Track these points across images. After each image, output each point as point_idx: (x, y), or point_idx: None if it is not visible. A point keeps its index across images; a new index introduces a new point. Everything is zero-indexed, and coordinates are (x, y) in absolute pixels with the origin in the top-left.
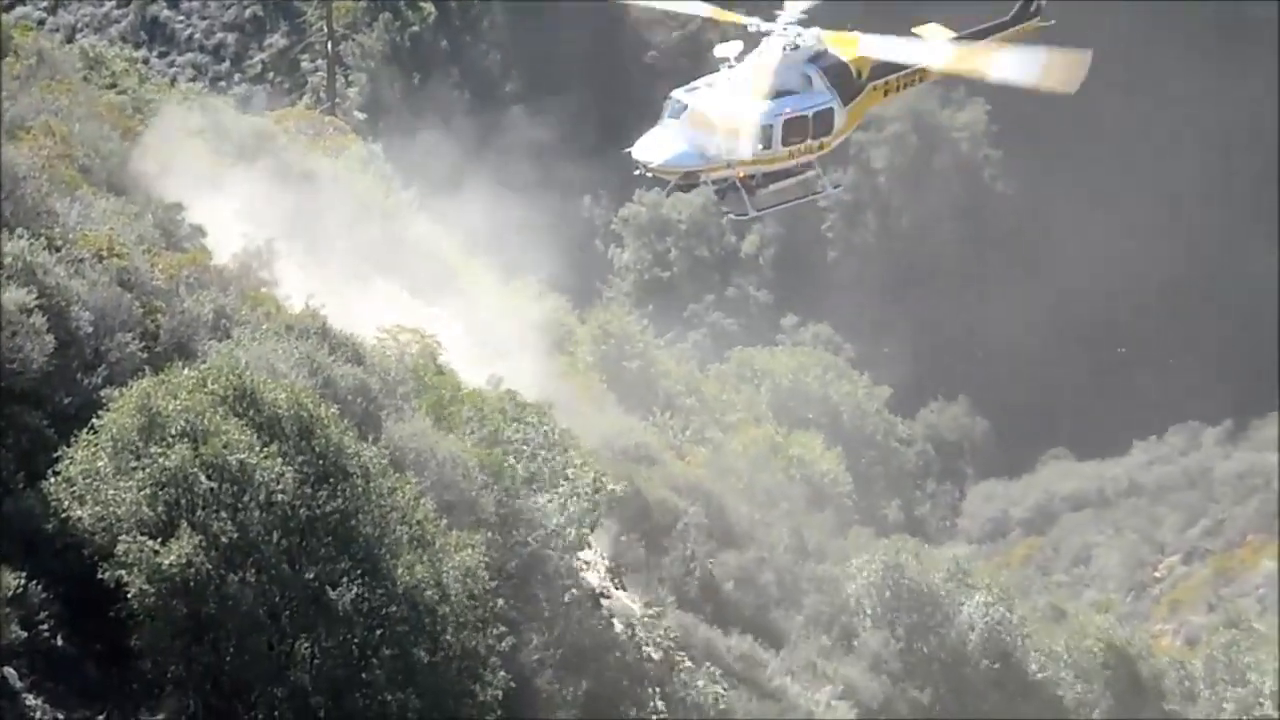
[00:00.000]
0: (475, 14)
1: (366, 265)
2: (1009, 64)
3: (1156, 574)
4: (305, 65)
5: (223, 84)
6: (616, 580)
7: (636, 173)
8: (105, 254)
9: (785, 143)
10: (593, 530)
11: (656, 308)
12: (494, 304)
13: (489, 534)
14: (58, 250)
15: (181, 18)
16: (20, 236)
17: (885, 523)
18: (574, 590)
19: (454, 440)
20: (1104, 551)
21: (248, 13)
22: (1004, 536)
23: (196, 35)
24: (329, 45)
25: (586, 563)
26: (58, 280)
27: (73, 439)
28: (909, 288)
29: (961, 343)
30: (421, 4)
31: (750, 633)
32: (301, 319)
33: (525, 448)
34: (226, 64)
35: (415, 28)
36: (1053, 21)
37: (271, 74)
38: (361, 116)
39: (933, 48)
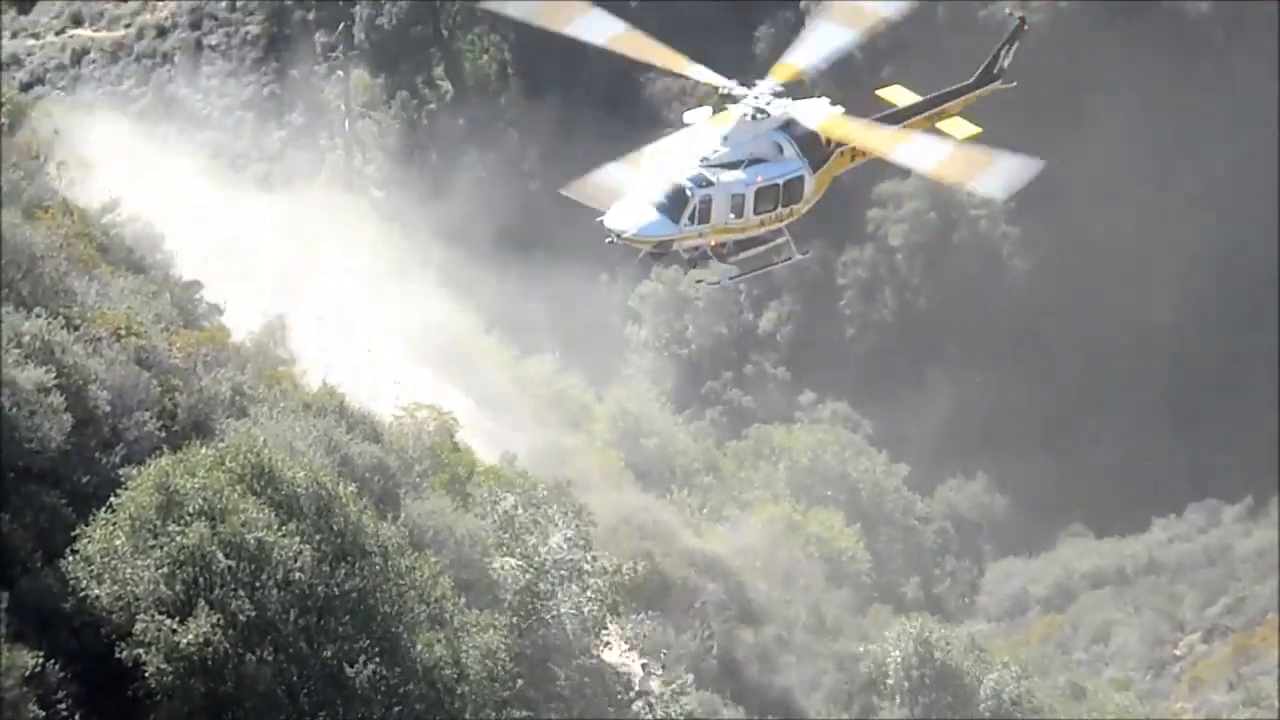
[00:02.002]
0: (493, 91)
1: (384, 342)
2: (953, 169)
3: (1176, 652)
4: (323, 143)
5: (241, 162)
6: (636, 658)
7: (608, 241)
8: (123, 332)
9: (757, 211)
10: (612, 615)
11: (674, 385)
12: (511, 381)
13: (511, 616)
14: (76, 329)
15: (200, 96)
16: (38, 315)
17: (904, 600)
18: (592, 670)
19: (472, 519)
20: (1124, 629)
21: (265, 91)
22: (1023, 614)
23: (215, 114)
24: (346, 124)
25: (606, 641)
26: (75, 359)
27: (91, 518)
28: (927, 365)
29: (980, 420)
30: (439, 82)
31: (770, 710)
32: (319, 397)
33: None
34: (244, 142)
35: (433, 106)
36: (1015, 84)
37: (289, 152)
38: (379, 194)
39: (891, 139)
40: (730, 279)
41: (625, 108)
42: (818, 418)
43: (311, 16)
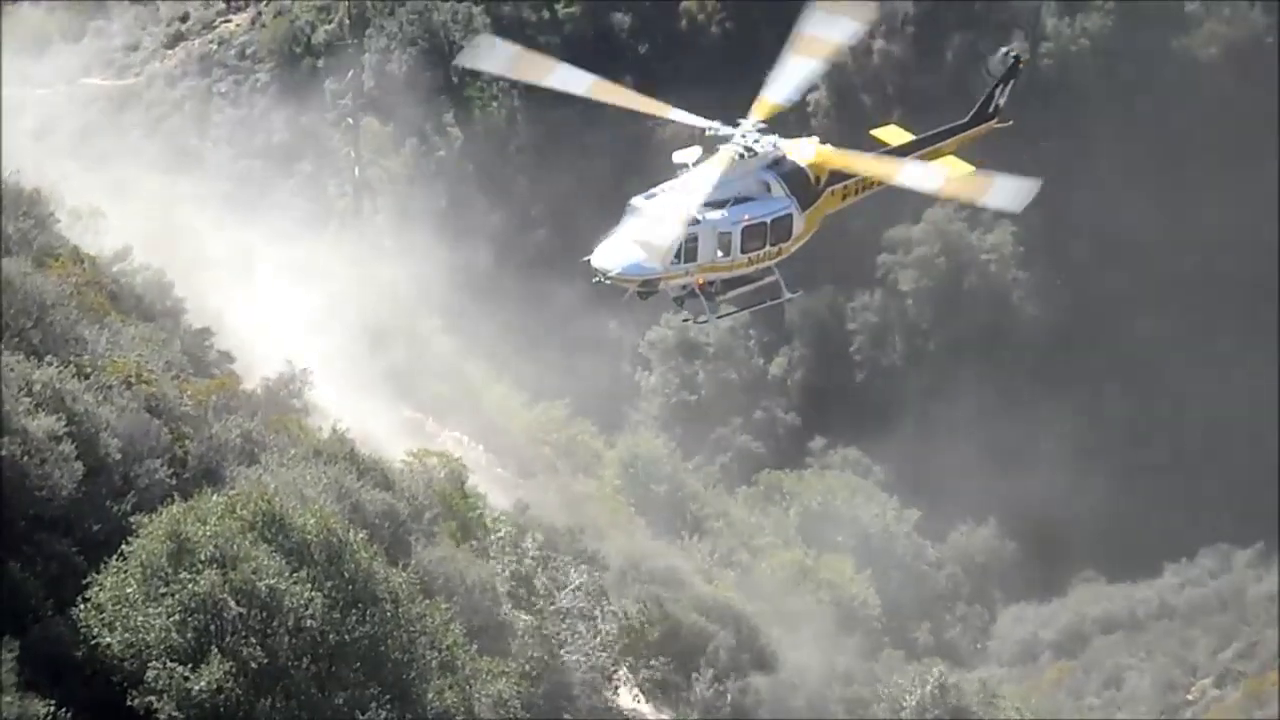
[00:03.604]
0: (502, 138)
1: (394, 388)
2: (960, 185)
3: (1189, 697)
4: (332, 191)
5: (250, 210)
6: (647, 704)
7: (595, 281)
8: (134, 380)
9: (744, 249)
10: (623, 661)
11: (684, 431)
12: (521, 427)
13: (522, 663)
14: (87, 377)
15: (209, 144)
16: (49, 363)
17: (915, 646)
18: (604, 717)
19: (483, 565)
20: (1135, 674)
21: (275, 139)
22: (1035, 659)
23: (224, 162)
24: (356, 171)
25: (617, 688)
26: (86, 407)
27: (102, 566)
28: (937, 410)
29: (991, 466)
30: (449, 129)
31: None
32: (329, 443)
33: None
34: (254, 190)
35: (442, 153)
36: (1010, 122)
37: (299, 200)
38: (388, 242)
39: (890, 164)
40: (718, 317)
41: (637, 153)
42: (828, 463)
43: (321, 64)
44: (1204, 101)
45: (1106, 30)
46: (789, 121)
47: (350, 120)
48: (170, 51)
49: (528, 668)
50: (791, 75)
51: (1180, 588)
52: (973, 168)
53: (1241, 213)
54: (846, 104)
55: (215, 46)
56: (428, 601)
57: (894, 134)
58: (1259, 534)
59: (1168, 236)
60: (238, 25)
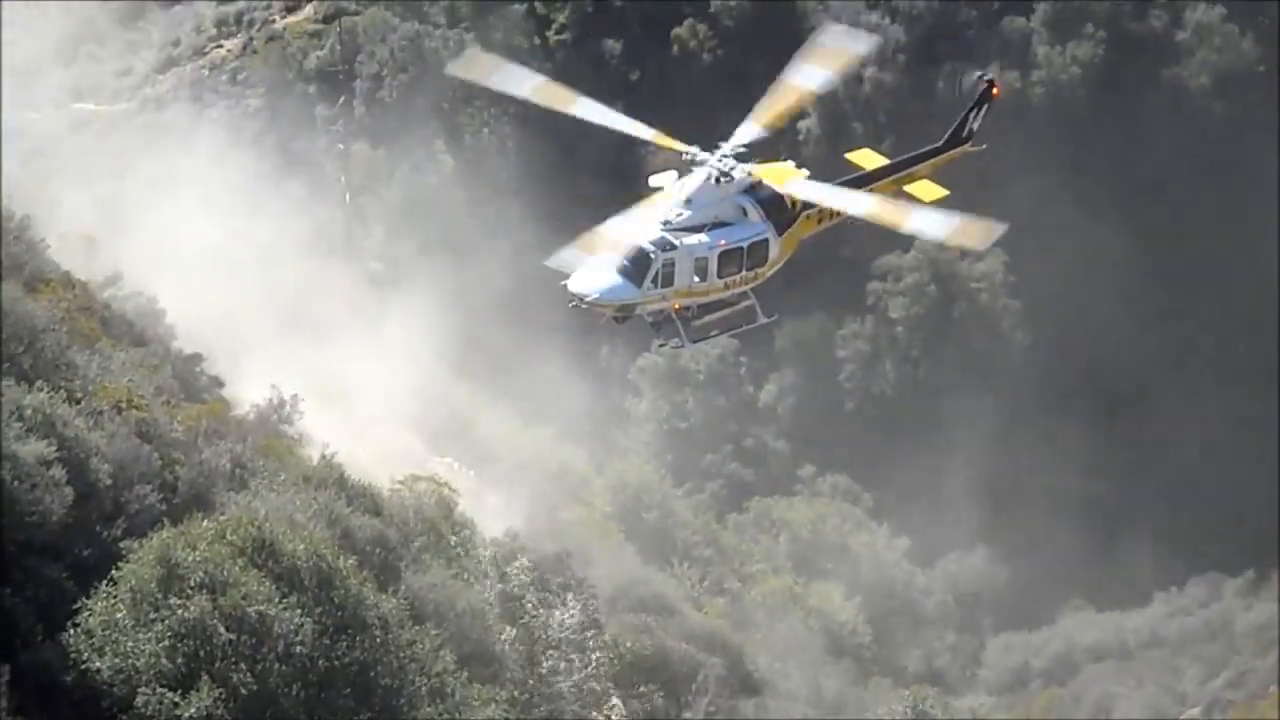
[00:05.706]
0: (493, 164)
1: (384, 413)
2: (925, 222)
3: None
4: (323, 216)
5: (241, 234)
6: None
7: (571, 305)
8: (124, 406)
9: (721, 274)
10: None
11: (674, 458)
12: (511, 453)
13: (512, 690)
14: (77, 402)
15: (200, 169)
16: (40, 389)
17: (905, 673)
18: None
19: (473, 591)
20: (1125, 702)
21: (266, 164)
22: (1025, 687)
23: (215, 187)
24: (346, 196)
25: (608, 716)
26: (77, 432)
27: (92, 591)
28: (927, 438)
29: (981, 494)
30: (440, 155)
31: None
32: (319, 469)
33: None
34: (244, 214)
35: (433, 179)
36: (984, 146)
37: (289, 225)
38: (378, 266)
39: (857, 198)
40: (694, 342)
41: (627, 180)
42: (818, 491)
43: (312, 90)
44: (1195, 130)
45: (1097, 59)
46: (781, 150)
47: (341, 146)
48: (161, 76)
49: (516, 693)
50: (779, 103)
51: (1170, 617)
52: (945, 192)
53: (1234, 242)
54: (838, 132)
55: (207, 72)
56: (418, 628)
57: (869, 158)
58: (1248, 563)
59: (1158, 265)
60: (229, 51)
